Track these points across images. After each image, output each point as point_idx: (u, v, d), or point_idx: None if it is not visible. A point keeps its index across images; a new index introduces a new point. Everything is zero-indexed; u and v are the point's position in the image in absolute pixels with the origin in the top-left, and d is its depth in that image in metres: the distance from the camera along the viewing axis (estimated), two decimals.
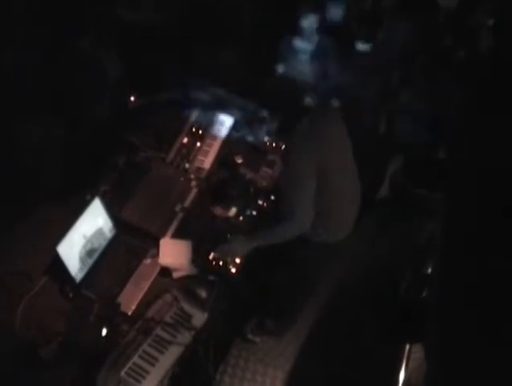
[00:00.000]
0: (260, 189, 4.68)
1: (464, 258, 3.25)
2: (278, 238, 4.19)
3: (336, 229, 4.40)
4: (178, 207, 4.52)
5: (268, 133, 4.74)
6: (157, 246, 4.27)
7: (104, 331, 3.81)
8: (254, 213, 4.55)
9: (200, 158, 4.86)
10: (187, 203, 4.57)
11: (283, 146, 4.72)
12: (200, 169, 4.78)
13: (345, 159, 4.32)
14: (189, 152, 4.87)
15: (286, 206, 4.13)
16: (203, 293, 4.10)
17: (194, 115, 5.07)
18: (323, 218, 4.19)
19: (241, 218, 4.51)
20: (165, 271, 4.21)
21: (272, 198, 4.61)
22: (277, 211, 4.30)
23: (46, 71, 4.53)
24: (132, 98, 5.00)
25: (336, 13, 5.69)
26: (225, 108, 5.00)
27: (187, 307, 4.03)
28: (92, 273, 4.14)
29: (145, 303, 4.04)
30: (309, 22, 5.60)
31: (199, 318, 4.00)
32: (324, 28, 5.64)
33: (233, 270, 4.24)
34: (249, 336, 5.25)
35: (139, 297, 4.06)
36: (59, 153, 4.49)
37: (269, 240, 4.21)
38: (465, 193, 3.49)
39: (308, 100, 4.23)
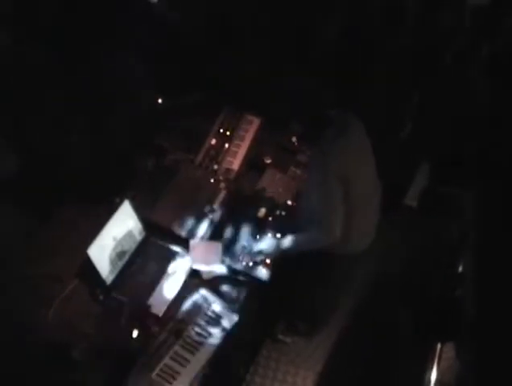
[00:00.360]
0: (289, 189, 4.66)
1: (499, 256, 3.22)
2: (307, 246, 4.17)
3: (358, 239, 4.35)
4: (207, 209, 4.52)
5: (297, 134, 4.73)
6: (187, 248, 4.28)
7: (135, 333, 3.82)
8: (283, 213, 4.54)
9: (228, 159, 4.86)
10: (216, 205, 4.56)
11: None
12: (228, 170, 4.78)
13: (367, 170, 4.28)
14: (217, 153, 4.87)
15: (315, 217, 4.10)
16: (233, 294, 4.11)
17: (222, 116, 5.07)
18: (345, 229, 4.14)
19: (270, 218, 4.50)
20: (195, 272, 4.21)
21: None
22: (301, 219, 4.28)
23: (75, 74, 4.55)
24: (160, 100, 5.01)
25: None
26: None
27: (217, 308, 4.03)
28: (122, 276, 4.16)
29: (175, 305, 4.05)
30: None
31: (229, 318, 4.00)
32: None
33: (263, 270, 4.23)
34: (280, 337, 5.25)
35: (170, 299, 4.07)
36: (88, 156, 4.52)
37: (298, 247, 4.20)
38: (500, 190, 3.46)
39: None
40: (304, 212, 4.26)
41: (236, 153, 4.89)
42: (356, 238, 4.28)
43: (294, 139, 4.72)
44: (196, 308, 4.02)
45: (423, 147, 5.90)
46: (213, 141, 4.92)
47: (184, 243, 4.31)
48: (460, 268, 4.91)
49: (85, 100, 4.59)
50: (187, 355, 3.82)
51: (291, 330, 5.24)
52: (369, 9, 5.56)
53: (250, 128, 5.05)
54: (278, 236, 4.34)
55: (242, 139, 4.99)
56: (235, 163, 4.84)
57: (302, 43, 5.54)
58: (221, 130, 4.98)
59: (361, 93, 5.29)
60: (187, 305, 4.03)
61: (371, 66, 5.41)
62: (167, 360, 3.77)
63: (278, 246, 4.22)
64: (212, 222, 4.48)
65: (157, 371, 3.72)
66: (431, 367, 4.32)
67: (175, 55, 5.24)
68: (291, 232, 4.25)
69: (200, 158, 4.83)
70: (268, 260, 4.25)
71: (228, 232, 4.40)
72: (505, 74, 4.96)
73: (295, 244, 4.19)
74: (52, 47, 4.51)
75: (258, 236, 4.36)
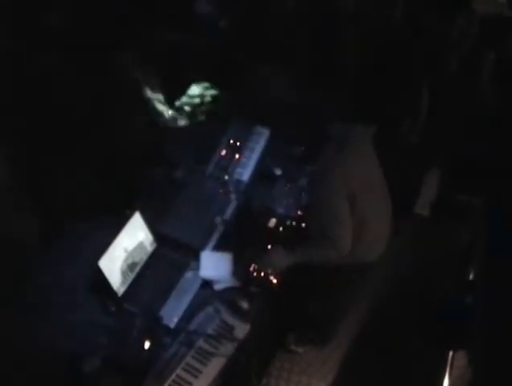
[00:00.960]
0: (299, 199, 4.66)
1: (509, 263, 3.22)
2: (315, 259, 4.17)
3: (368, 251, 4.35)
4: (218, 220, 4.52)
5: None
6: (198, 259, 4.28)
7: (147, 345, 3.82)
8: (294, 224, 4.53)
9: (238, 170, 4.86)
10: (226, 216, 4.57)
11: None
12: (239, 181, 4.78)
13: (374, 182, 4.27)
14: (228, 164, 4.88)
15: (321, 232, 4.10)
16: (245, 305, 4.09)
17: (232, 127, 5.08)
18: (354, 241, 4.14)
19: (281, 228, 4.51)
20: (206, 283, 4.21)
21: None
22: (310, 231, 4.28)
23: (83, 84, 4.58)
24: (170, 112, 5.03)
25: None
26: None
27: (229, 319, 4.03)
28: (133, 287, 4.16)
29: (187, 316, 4.05)
30: None
31: (241, 329, 4.00)
32: None
33: (275, 281, 4.23)
34: (292, 347, 5.24)
35: (181, 310, 4.07)
36: (99, 168, 4.54)
37: (308, 258, 4.19)
38: (509, 196, 3.46)
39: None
40: (313, 226, 4.26)
41: (246, 164, 4.90)
42: (365, 250, 4.28)
43: (303, 149, 4.74)
44: (208, 319, 4.02)
45: (432, 152, 5.90)
46: (224, 153, 4.92)
47: (195, 254, 4.31)
48: (471, 276, 4.90)
49: (96, 112, 4.62)
50: (199, 366, 3.81)
51: (302, 340, 5.23)
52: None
53: (260, 139, 5.06)
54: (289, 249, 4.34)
55: (252, 150, 4.99)
56: (245, 174, 4.84)
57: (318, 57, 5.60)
58: (232, 141, 4.99)
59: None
60: (198, 316, 4.03)
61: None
62: (179, 371, 3.77)
63: (288, 258, 4.22)
64: (222, 233, 4.48)
65: (169, 382, 3.71)
66: (443, 376, 4.30)
67: (186, 67, 5.28)
68: (302, 242, 4.26)
69: (210, 169, 4.84)
70: (279, 271, 4.24)
71: (238, 243, 4.39)
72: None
73: (306, 257, 4.19)
74: (61, 54, 4.55)
75: (268, 247, 4.35)
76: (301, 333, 5.22)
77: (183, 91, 5.25)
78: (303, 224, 4.52)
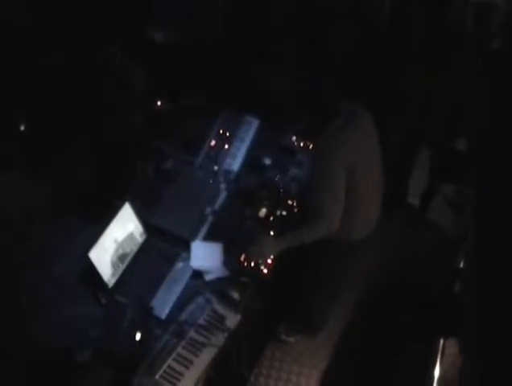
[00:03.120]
0: (289, 189, 4.67)
1: (499, 249, 3.22)
2: (307, 238, 4.16)
3: (358, 228, 4.37)
4: (208, 210, 4.53)
5: (297, 132, 4.75)
6: (188, 249, 4.28)
7: (138, 336, 3.81)
8: (284, 213, 4.54)
9: (228, 160, 4.86)
10: (217, 206, 4.57)
11: (311, 146, 4.72)
12: (228, 171, 4.78)
13: (373, 160, 4.30)
14: (217, 155, 4.88)
15: (315, 206, 4.11)
16: (235, 295, 4.10)
17: (221, 117, 5.07)
18: (346, 217, 4.15)
19: (271, 218, 4.51)
20: (197, 274, 4.21)
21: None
22: (305, 211, 4.28)
23: (73, 77, 4.57)
24: (158, 103, 5.02)
25: None
26: None
27: (220, 309, 4.03)
28: (124, 278, 4.15)
29: (178, 306, 4.05)
30: None
31: (232, 319, 4.00)
32: None
33: (265, 271, 4.23)
34: (283, 337, 5.25)
35: (172, 301, 4.07)
36: (88, 160, 4.52)
37: (298, 241, 4.18)
38: (495, 183, 3.46)
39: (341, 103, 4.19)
40: (308, 202, 4.25)
41: (236, 154, 4.90)
42: (358, 226, 4.30)
43: (294, 139, 4.74)
44: (199, 309, 4.02)
45: (422, 141, 5.92)
46: (213, 143, 4.92)
47: (186, 244, 4.31)
48: (461, 264, 4.91)
49: (84, 105, 4.60)
50: (191, 357, 3.81)
51: (293, 329, 5.24)
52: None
53: (250, 129, 5.06)
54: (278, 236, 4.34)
55: (242, 140, 4.99)
56: (235, 164, 4.84)
57: (305, 44, 5.59)
58: (221, 132, 4.98)
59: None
60: (189, 306, 4.03)
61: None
62: (170, 362, 3.76)
63: (278, 246, 4.22)
64: (213, 223, 4.49)
65: (161, 372, 3.71)
66: (435, 364, 4.31)
67: (174, 59, 5.25)
68: (292, 228, 4.27)
69: (200, 159, 4.84)
70: (270, 260, 4.24)
71: (229, 234, 4.40)
72: (504, 70, 4.97)
73: (297, 239, 4.19)
74: (55, 49, 4.54)
75: (259, 237, 4.36)
76: (291, 322, 5.23)
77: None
78: (295, 210, 4.53)
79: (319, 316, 5.14)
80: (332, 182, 4.03)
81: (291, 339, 5.26)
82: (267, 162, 4.80)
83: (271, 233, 4.34)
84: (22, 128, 4.40)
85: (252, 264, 4.23)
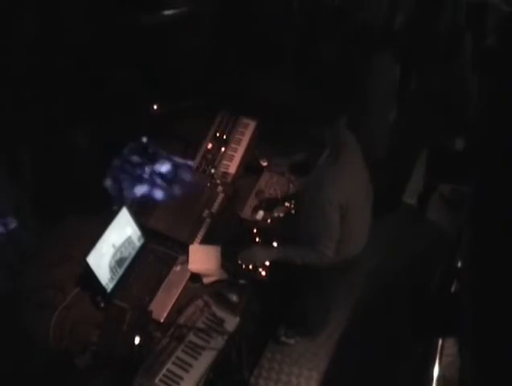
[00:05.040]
0: (286, 191, 4.67)
1: (495, 248, 3.23)
2: (298, 259, 4.16)
3: (353, 249, 4.31)
4: (205, 213, 4.53)
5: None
6: (186, 253, 4.29)
7: (137, 339, 3.81)
8: (281, 215, 4.54)
9: (225, 162, 4.87)
10: (214, 209, 4.57)
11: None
12: (225, 174, 4.78)
13: (364, 186, 4.23)
14: (214, 157, 4.88)
15: (310, 241, 4.08)
16: (234, 297, 4.10)
17: (217, 120, 5.08)
18: (341, 242, 4.12)
19: (268, 220, 4.51)
20: (195, 277, 4.22)
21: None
22: (298, 234, 4.25)
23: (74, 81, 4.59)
24: (155, 106, 5.02)
25: None
26: None
27: (218, 312, 4.03)
28: (122, 282, 4.16)
29: (176, 310, 4.06)
30: None
31: (231, 322, 4.00)
32: None
33: (263, 273, 4.23)
34: (283, 339, 5.25)
35: (171, 304, 4.08)
36: (86, 164, 4.53)
37: (289, 257, 4.19)
38: (492, 183, 3.47)
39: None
40: (301, 230, 4.23)
41: (232, 156, 4.91)
42: (349, 249, 4.25)
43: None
44: (198, 312, 4.02)
45: (419, 140, 5.91)
46: (210, 146, 4.93)
47: (184, 248, 4.32)
48: (459, 263, 4.91)
49: (84, 108, 4.61)
50: (190, 360, 3.82)
51: (293, 331, 5.24)
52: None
53: (246, 131, 5.06)
54: (275, 244, 4.35)
55: (239, 142, 5.00)
56: (232, 167, 4.85)
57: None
58: (218, 134, 4.99)
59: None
60: (188, 310, 4.03)
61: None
62: (169, 365, 3.77)
63: (269, 254, 4.24)
64: (210, 226, 4.48)
65: (160, 376, 3.72)
66: (433, 364, 4.32)
67: (171, 61, 5.26)
68: (286, 240, 4.27)
69: (196, 162, 4.84)
70: (267, 263, 4.24)
71: (227, 236, 4.39)
72: (496, 69, 4.96)
73: (287, 255, 4.18)
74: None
75: (256, 239, 4.36)
76: (291, 325, 5.23)
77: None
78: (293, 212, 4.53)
79: (316, 318, 5.14)
80: (326, 223, 3.98)
81: (291, 341, 5.26)
82: (264, 163, 4.79)
83: (268, 236, 4.34)
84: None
85: (250, 266, 4.23)
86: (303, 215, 4.22)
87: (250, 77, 5.46)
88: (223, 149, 4.93)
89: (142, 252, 4.33)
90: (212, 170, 4.78)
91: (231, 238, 4.38)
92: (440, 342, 4.40)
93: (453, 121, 5.50)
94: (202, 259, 4.26)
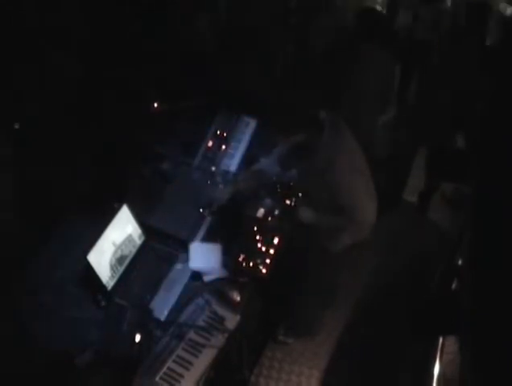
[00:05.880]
0: (287, 189, 4.66)
1: (495, 247, 3.22)
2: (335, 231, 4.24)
3: (357, 230, 4.33)
4: (206, 211, 4.52)
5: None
6: (187, 251, 4.28)
7: (137, 338, 3.81)
8: (282, 213, 4.53)
9: (225, 161, 4.86)
10: (215, 207, 4.56)
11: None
12: (226, 172, 4.77)
13: (363, 161, 4.28)
14: (215, 155, 4.87)
15: (348, 213, 4.13)
16: (234, 296, 4.10)
17: (218, 118, 5.07)
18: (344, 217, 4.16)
19: (269, 218, 4.50)
20: (196, 275, 4.22)
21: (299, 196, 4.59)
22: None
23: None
24: (156, 104, 5.01)
25: None
26: None
27: (219, 310, 4.03)
28: (123, 281, 4.16)
29: (177, 308, 4.05)
30: None
31: (231, 320, 4.00)
32: None
33: (264, 271, 4.23)
34: (281, 338, 5.24)
35: (171, 303, 4.08)
36: (85, 163, 4.52)
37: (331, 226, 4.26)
38: (493, 182, 3.46)
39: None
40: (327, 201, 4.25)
41: (233, 154, 4.90)
42: (355, 227, 4.27)
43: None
44: (198, 311, 4.02)
45: (420, 139, 5.92)
46: (210, 144, 4.92)
47: (184, 246, 4.31)
48: (460, 262, 4.91)
49: (83, 108, 4.61)
50: (191, 358, 3.81)
51: (291, 330, 5.23)
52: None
53: (247, 129, 5.05)
54: (276, 240, 4.36)
55: (239, 140, 4.99)
56: (232, 165, 4.84)
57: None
58: (218, 132, 4.98)
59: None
60: (188, 308, 4.03)
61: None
62: (170, 364, 3.77)
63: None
64: (211, 224, 4.49)
65: (161, 374, 3.72)
66: (434, 362, 4.31)
67: (172, 60, 5.25)
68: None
69: (197, 160, 4.84)
70: (268, 261, 4.24)
71: (227, 234, 4.39)
72: (497, 68, 4.96)
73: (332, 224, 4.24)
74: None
75: (257, 236, 4.36)
76: (288, 324, 5.22)
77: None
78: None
79: (314, 318, 5.13)
80: (355, 190, 4.07)
81: (289, 340, 5.25)
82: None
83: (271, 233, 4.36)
84: (16, 126, 4.38)
85: (251, 264, 4.23)
86: (325, 199, 4.23)
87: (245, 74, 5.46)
88: (224, 147, 4.92)
89: (142, 250, 4.32)
90: (213, 168, 4.77)
91: (232, 236, 4.38)
92: (441, 340, 4.40)
93: (455, 119, 5.51)
94: (202, 257, 4.25)
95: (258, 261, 4.24)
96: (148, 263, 4.28)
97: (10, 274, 4.08)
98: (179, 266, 4.25)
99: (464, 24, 5.66)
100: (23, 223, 4.27)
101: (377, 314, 5.35)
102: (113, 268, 4.09)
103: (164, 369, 3.74)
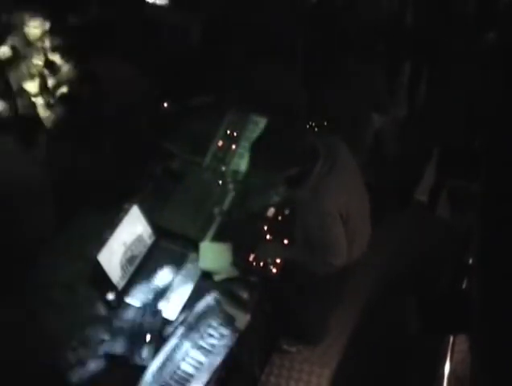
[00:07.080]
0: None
1: (506, 245, 3.21)
2: (309, 265, 4.15)
3: (355, 255, 4.29)
4: (216, 211, 4.53)
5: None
6: (197, 250, 4.29)
7: (148, 337, 3.83)
8: (293, 213, 4.52)
9: (235, 160, 4.86)
10: (225, 206, 4.57)
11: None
12: (236, 171, 4.78)
13: (360, 190, 4.19)
14: (225, 155, 4.87)
15: (320, 250, 4.02)
16: (245, 295, 4.10)
17: (228, 118, 5.07)
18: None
19: (279, 218, 4.50)
20: (206, 275, 4.23)
21: None
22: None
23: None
24: (166, 104, 5.02)
25: None
26: None
27: (229, 309, 4.04)
28: (133, 281, 4.18)
29: (188, 308, 4.06)
30: None
31: (242, 319, 4.00)
32: None
33: (274, 270, 4.23)
34: (285, 347, 5.21)
35: (182, 302, 4.09)
36: (96, 163, 4.53)
37: (300, 260, 4.18)
38: (502, 179, 3.45)
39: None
40: (302, 234, 4.20)
41: (243, 154, 4.89)
42: (354, 253, 4.21)
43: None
44: (209, 310, 4.02)
45: (430, 138, 5.89)
46: (220, 143, 4.92)
47: (194, 245, 4.32)
48: (470, 260, 4.90)
49: (93, 108, 4.63)
50: (201, 358, 3.82)
51: (294, 340, 5.21)
52: None
53: (257, 128, 5.05)
54: (286, 241, 4.35)
55: (249, 140, 4.98)
56: (242, 164, 4.84)
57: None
58: (228, 132, 4.98)
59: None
60: (199, 307, 4.03)
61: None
62: (181, 364, 3.78)
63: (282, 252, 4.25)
64: (221, 224, 4.49)
65: (171, 374, 3.73)
66: (444, 360, 4.30)
67: (181, 59, 5.26)
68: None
69: (207, 160, 4.84)
70: (278, 260, 4.24)
71: (237, 234, 4.39)
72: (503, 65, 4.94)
73: (302, 259, 4.17)
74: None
75: (267, 236, 4.36)
76: (291, 333, 5.19)
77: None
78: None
79: (317, 327, 5.08)
80: (331, 236, 3.91)
81: (293, 349, 5.21)
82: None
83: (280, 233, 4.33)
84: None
85: (261, 264, 4.23)
86: (302, 227, 4.14)
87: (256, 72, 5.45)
88: (234, 146, 4.92)
89: (152, 249, 4.34)
90: (223, 168, 4.77)
91: (242, 235, 4.38)
92: (451, 338, 4.39)
93: (467, 118, 5.48)
94: (213, 256, 4.26)
95: (269, 261, 4.24)
96: (158, 263, 4.29)
97: (22, 274, 4.10)
98: (189, 266, 4.26)
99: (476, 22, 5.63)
100: (34, 221, 4.29)
101: (386, 313, 5.33)
102: (123, 268, 4.10)
103: (175, 369, 3.75)
